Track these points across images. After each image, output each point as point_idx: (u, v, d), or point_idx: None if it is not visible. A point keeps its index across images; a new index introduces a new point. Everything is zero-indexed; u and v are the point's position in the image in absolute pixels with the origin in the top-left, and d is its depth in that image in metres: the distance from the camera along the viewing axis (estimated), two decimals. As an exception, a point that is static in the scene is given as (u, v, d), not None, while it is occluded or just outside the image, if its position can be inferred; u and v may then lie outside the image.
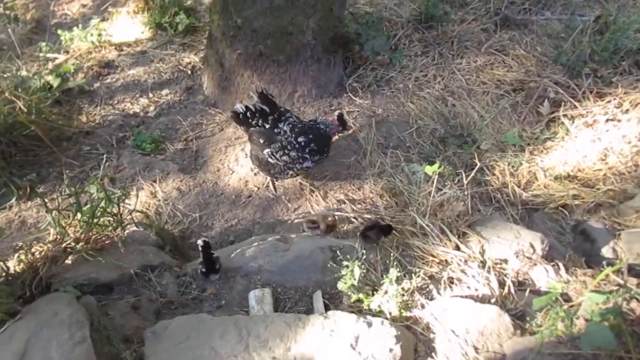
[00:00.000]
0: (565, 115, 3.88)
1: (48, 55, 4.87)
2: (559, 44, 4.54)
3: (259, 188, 3.53)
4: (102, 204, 2.36)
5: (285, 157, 3.13)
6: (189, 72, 4.69)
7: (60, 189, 3.54)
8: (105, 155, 3.84)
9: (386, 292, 2.22)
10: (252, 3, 3.48)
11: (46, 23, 5.65)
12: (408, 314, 2.23)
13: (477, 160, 3.31)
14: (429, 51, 4.56)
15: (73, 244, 2.22)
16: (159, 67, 4.75)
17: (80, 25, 5.12)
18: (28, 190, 3.55)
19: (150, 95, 4.50)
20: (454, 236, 2.68)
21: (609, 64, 4.14)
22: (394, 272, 2.19)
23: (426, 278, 2.43)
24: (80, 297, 2.16)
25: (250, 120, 3.20)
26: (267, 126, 3.18)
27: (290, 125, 3.18)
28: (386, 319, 2.14)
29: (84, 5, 5.97)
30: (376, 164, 3.61)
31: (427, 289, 2.37)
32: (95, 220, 2.29)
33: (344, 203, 3.36)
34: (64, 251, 2.21)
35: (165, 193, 3.53)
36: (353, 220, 3.23)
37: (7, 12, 5.51)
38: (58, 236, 2.24)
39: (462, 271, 2.45)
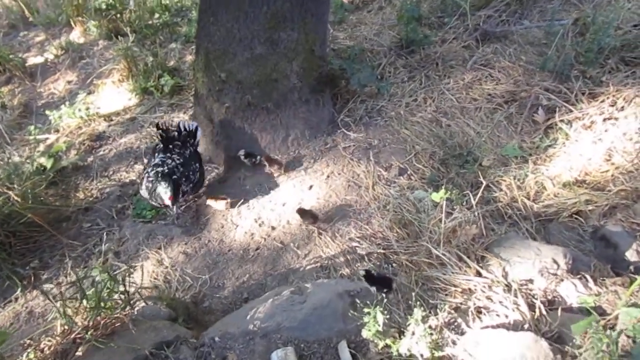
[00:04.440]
0: (562, 121, 3.83)
1: (38, 137, 4.88)
2: (543, 50, 4.55)
3: (265, 239, 3.45)
4: (107, 285, 2.27)
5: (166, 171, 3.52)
6: (181, 131, 4.68)
7: (66, 272, 3.46)
8: (106, 230, 3.80)
9: (413, 334, 2.11)
10: (234, 56, 3.50)
11: (34, 105, 5.70)
12: (440, 353, 2.10)
13: (481, 179, 3.24)
14: (415, 75, 4.57)
15: (82, 333, 2.12)
16: (150, 132, 4.75)
17: (67, 102, 5.17)
18: (32, 278, 3.47)
19: (145, 160, 4.47)
20: (472, 262, 2.59)
21: (596, 64, 4.12)
22: (418, 312, 2.08)
23: (452, 311, 2.32)
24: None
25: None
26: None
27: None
28: (419, 363, 2.03)
29: (69, 82, 6.05)
30: (380, 197, 3.54)
31: (456, 323, 2.25)
32: (102, 304, 2.20)
33: (355, 241, 3.27)
34: (73, 342, 2.11)
35: (172, 259, 3.45)
36: (365, 258, 3.14)
37: (-6, 101, 5.57)
38: (66, 327, 2.14)
39: (488, 298, 2.34)
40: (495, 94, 4.30)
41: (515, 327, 2.17)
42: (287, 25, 3.43)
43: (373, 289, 2.56)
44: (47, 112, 5.05)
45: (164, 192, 3.26)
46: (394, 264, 3.02)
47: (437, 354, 2.09)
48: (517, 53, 4.66)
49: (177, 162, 3.55)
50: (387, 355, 2.19)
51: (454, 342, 2.15)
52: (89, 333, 2.11)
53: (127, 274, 2.41)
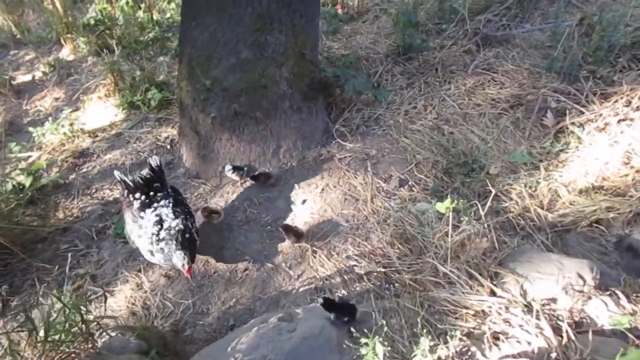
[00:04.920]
0: (573, 123, 3.56)
1: (20, 155, 4.65)
2: (547, 53, 4.31)
3: (254, 259, 3.15)
4: (63, 314, 1.96)
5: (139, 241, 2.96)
6: (168, 146, 4.43)
7: (37, 299, 3.16)
8: (84, 251, 3.53)
9: (420, 367, 1.80)
10: (218, 61, 3.25)
11: (19, 123, 5.50)
12: (452, 391, 1.79)
13: (490, 187, 2.95)
14: (414, 82, 4.33)
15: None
16: (136, 147, 4.51)
17: (51, 119, 4.94)
18: (1, 305, 3.17)
19: (130, 177, 4.20)
20: (485, 279, 2.28)
21: (606, 63, 3.87)
22: (425, 342, 1.77)
23: (464, 338, 2.00)
24: None
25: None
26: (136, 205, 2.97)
27: (156, 220, 2.88)
28: (427, 403, 1.71)
29: (56, 99, 5.86)
30: (380, 210, 3.25)
31: (469, 353, 1.93)
32: (57, 337, 1.89)
33: (352, 259, 2.97)
34: (17, 383, 1.80)
35: (152, 282, 3.15)
36: (364, 277, 2.83)
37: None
38: (12, 364, 1.84)
39: (506, 321, 2.03)
40: (500, 98, 4.04)
41: (540, 356, 1.85)
42: (275, 28, 3.18)
43: (332, 315, 2.26)
44: (31, 129, 4.82)
45: (181, 261, 2.73)
46: (395, 284, 2.71)
47: (448, 390, 1.78)
48: (521, 57, 4.42)
49: (177, 211, 2.92)
50: (390, 392, 1.87)
51: (468, 376, 1.84)
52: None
53: (86, 301, 2.08)
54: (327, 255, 3.03)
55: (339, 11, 5.88)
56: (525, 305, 2.09)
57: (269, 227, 3.34)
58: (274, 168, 3.67)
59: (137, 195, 2.96)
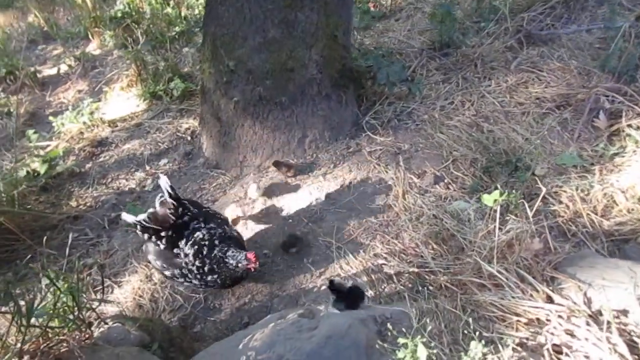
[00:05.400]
0: (630, 126, 3.22)
1: (38, 143, 4.53)
2: (597, 53, 3.99)
3: (273, 253, 2.88)
4: (56, 298, 1.72)
5: (186, 283, 2.47)
6: (189, 137, 4.26)
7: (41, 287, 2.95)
8: (94, 240, 3.34)
9: (467, 378, 1.49)
10: (243, 40, 3.03)
11: (42, 114, 5.43)
12: (508, 410, 1.47)
13: (540, 185, 2.63)
14: (451, 77, 4.05)
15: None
16: (156, 137, 4.35)
17: (70, 108, 4.83)
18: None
19: (147, 167, 4.04)
20: (540, 284, 1.95)
21: (664, 64, 3.53)
22: (478, 347, 1.46)
23: (518, 348, 1.68)
24: None
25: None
26: (162, 246, 2.40)
27: (195, 249, 2.40)
28: (478, 421, 1.39)
29: (79, 91, 5.79)
30: (412, 207, 2.95)
31: (527, 367, 1.61)
32: (46, 322, 1.64)
33: (381, 258, 2.67)
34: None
35: (162, 274, 2.91)
36: (394, 278, 2.53)
37: (0, 108, 5.32)
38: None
39: (568, 333, 1.70)
40: (545, 97, 3.74)
41: (614, 374, 1.53)
42: (306, 5, 2.95)
43: (332, 297, 2.06)
44: (51, 118, 4.71)
45: (238, 259, 2.35)
46: (430, 286, 2.40)
47: (503, 409, 1.46)
48: (568, 56, 4.10)
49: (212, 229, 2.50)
50: (429, 406, 1.56)
51: (526, 393, 1.51)
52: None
53: (86, 286, 1.84)
54: (353, 252, 2.75)
55: (372, 8, 5.65)
56: (590, 316, 1.76)
57: (290, 220, 3.08)
58: (298, 159, 3.42)
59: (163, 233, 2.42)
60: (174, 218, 2.38)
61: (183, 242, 2.39)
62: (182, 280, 2.44)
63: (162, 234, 2.37)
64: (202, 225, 2.46)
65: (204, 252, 2.37)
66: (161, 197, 2.41)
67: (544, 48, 4.27)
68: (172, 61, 5.00)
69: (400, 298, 2.35)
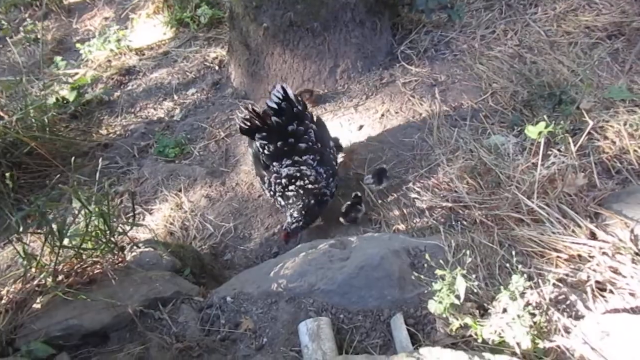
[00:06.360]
0: (690, 57, 2.96)
1: (66, 71, 4.50)
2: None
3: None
4: (89, 220, 1.73)
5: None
6: (216, 67, 4.15)
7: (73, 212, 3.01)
8: (125, 168, 3.35)
9: (505, 311, 1.45)
10: (274, -40, 2.84)
11: (68, 42, 5.35)
12: (547, 344, 1.43)
13: (588, 119, 2.46)
14: (494, 4, 3.78)
15: (44, 280, 1.60)
16: (184, 67, 4.25)
17: (97, 34, 4.73)
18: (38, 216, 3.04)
19: (175, 97, 3.98)
20: (583, 220, 1.86)
21: None
22: (520, 281, 1.41)
23: (559, 284, 1.62)
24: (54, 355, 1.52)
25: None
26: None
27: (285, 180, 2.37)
28: (515, 354, 1.36)
29: (106, 18, 5.64)
30: (447, 141, 2.84)
31: (568, 302, 1.56)
32: (79, 244, 1.66)
33: (413, 192, 2.61)
34: (34, 292, 1.60)
35: (193, 203, 2.93)
36: (426, 212, 2.48)
37: (27, 35, 5.24)
38: (33, 270, 1.63)
39: (613, 270, 1.63)
40: (596, 26, 3.46)
41: (661, 310, 1.47)
42: None
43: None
44: (78, 45, 4.64)
45: (289, 222, 2.41)
46: (464, 221, 2.34)
47: (541, 344, 1.42)
48: (624, -18, 3.73)
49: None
50: (464, 339, 1.53)
51: (566, 330, 1.46)
52: (51, 280, 1.58)
53: (109, 206, 1.84)
54: (385, 185, 2.69)
55: None
56: (637, 253, 1.68)
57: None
58: (329, 89, 3.30)
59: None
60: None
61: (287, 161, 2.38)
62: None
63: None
64: (313, 164, 2.41)
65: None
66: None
67: (598, -27, 3.90)
68: (201, -15, 4.79)
69: (432, 232, 2.30)
